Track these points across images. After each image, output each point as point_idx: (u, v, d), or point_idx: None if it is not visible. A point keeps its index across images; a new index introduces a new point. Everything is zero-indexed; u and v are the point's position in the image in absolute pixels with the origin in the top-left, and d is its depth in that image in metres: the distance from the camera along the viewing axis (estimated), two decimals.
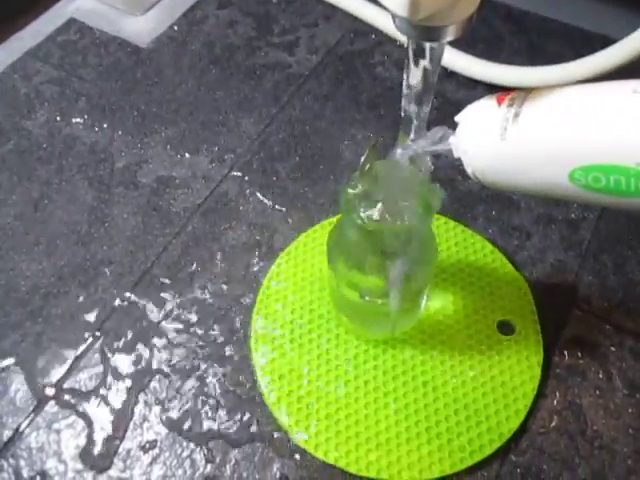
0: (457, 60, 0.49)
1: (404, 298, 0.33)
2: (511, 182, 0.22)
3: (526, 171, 0.21)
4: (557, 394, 0.35)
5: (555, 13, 0.53)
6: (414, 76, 0.22)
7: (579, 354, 0.36)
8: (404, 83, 0.24)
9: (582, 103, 0.20)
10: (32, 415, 0.35)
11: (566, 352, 0.36)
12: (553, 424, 0.34)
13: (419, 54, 0.22)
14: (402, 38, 0.52)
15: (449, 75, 0.50)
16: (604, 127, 0.19)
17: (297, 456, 0.33)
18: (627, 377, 0.35)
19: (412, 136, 0.26)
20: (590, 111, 0.19)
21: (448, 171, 0.44)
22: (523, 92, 0.21)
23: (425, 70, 0.22)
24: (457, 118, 0.23)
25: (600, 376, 0.35)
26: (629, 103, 0.18)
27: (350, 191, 0.27)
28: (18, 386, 0.36)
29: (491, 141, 0.21)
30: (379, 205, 0.28)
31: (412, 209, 0.28)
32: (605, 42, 0.44)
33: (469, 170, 0.23)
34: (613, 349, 0.36)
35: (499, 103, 0.22)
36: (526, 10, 0.54)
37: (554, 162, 0.20)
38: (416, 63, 0.22)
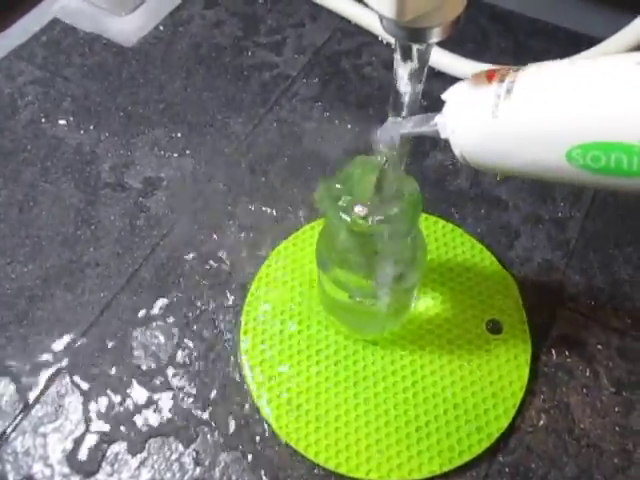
0: (444, 60, 0.49)
1: (394, 298, 0.33)
2: (502, 163, 0.21)
3: (519, 151, 0.20)
4: (545, 393, 0.35)
5: (541, 13, 0.53)
6: (402, 76, 0.22)
7: (566, 353, 0.36)
8: (393, 82, 0.23)
9: (582, 77, 0.18)
10: (18, 419, 0.34)
11: (554, 351, 0.36)
12: (541, 423, 0.34)
13: (407, 55, 0.21)
14: (389, 38, 0.52)
15: (436, 75, 0.50)
16: (606, 101, 0.17)
17: (287, 457, 0.33)
18: (613, 375, 0.36)
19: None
20: (591, 85, 0.18)
21: (437, 170, 0.44)
22: (515, 67, 0.20)
23: (412, 70, 0.22)
24: (444, 96, 0.22)
25: (587, 374, 0.36)
26: (633, 75, 0.17)
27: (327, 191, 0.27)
28: (3, 390, 0.35)
29: (481, 119, 0.20)
30: (361, 206, 0.28)
31: (397, 210, 0.28)
32: (590, 42, 0.45)
33: (457, 151, 0.22)
34: (600, 347, 0.37)
35: (489, 79, 0.20)
36: (512, 10, 0.54)
37: (550, 140, 0.19)
38: (403, 63, 0.22)
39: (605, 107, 0.18)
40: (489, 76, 0.20)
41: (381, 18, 0.20)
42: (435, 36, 0.20)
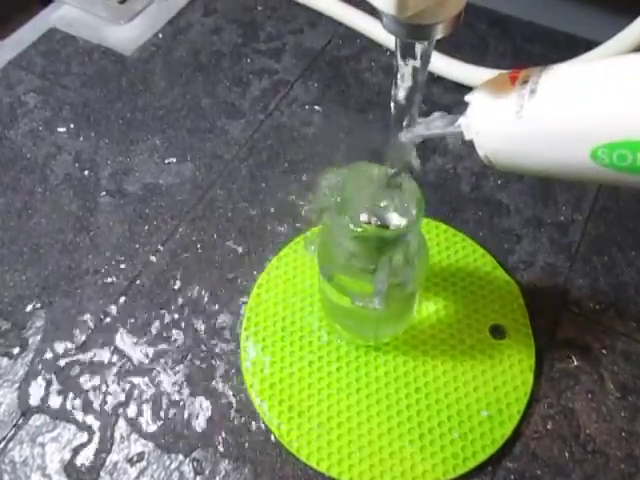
0: (443, 65, 0.49)
1: (396, 303, 0.33)
2: (526, 163, 0.21)
3: (544, 151, 0.20)
4: (550, 398, 0.35)
5: (539, 17, 0.53)
6: (403, 76, 0.22)
7: (571, 357, 0.36)
8: (393, 82, 0.23)
9: (607, 75, 0.18)
10: (16, 428, 0.34)
11: (558, 355, 0.36)
12: (546, 429, 0.34)
13: (407, 53, 0.21)
14: (388, 43, 0.52)
15: (435, 80, 0.50)
16: (633, 99, 0.17)
17: (288, 465, 0.33)
18: (619, 380, 0.35)
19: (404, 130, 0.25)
20: (617, 83, 0.18)
21: (438, 174, 0.44)
22: (538, 68, 0.20)
23: (414, 69, 0.22)
24: (467, 98, 0.22)
25: (592, 379, 0.35)
26: None
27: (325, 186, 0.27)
28: (1, 399, 0.35)
29: (506, 120, 0.20)
30: (363, 210, 0.28)
31: (397, 212, 0.28)
32: (588, 45, 0.45)
33: (481, 152, 0.22)
34: (604, 352, 0.36)
35: (512, 80, 0.20)
36: (510, 15, 0.54)
37: (575, 140, 0.19)
38: (404, 63, 0.22)
39: (632, 105, 0.17)
40: (512, 77, 0.20)
41: (381, 17, 0.20)
42: (437, 32, 0.19)
